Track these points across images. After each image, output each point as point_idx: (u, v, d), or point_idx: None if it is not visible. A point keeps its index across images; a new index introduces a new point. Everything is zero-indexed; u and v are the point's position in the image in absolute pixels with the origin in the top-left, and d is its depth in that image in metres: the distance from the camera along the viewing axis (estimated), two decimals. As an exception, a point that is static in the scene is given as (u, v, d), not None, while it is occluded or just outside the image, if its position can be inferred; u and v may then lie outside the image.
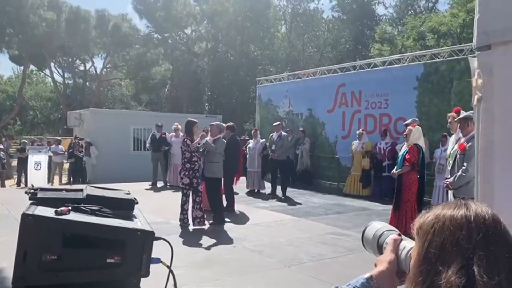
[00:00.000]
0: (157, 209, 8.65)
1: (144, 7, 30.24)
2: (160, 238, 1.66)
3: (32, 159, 12.92)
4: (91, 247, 1.50)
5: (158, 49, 31.96)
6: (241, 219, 8.17)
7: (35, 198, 1.65)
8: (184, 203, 7.30)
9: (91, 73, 36.11)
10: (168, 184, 12.48)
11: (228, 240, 6.49)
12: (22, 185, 14.24)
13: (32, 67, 35.95)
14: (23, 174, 14.41)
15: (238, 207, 8.92)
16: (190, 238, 6.57)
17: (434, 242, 0.84)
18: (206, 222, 7.35)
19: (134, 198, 1.81)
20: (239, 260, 5.58)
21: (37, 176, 12.86)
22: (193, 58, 32.22)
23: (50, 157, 14.30)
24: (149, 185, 12.26)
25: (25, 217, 1.42)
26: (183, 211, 7.34)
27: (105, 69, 35.32)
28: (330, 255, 5.76)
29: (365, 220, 8.24)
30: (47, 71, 34.99)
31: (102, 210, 1.62)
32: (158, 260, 1.69)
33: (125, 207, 1.73)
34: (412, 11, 28.01)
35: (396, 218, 7.09)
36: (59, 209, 1.50)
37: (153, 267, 1.81)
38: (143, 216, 1.76)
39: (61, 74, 35.89)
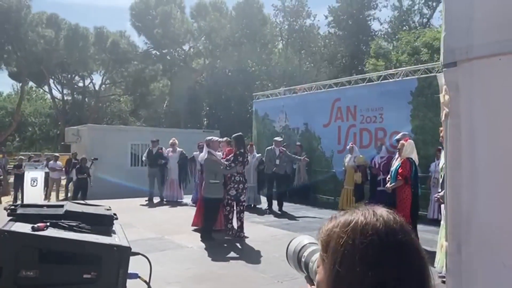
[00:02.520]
0: (152, 225, 8.64)
1: (142, 24, 30.58)
2: (137, 254, 1.67)
3: (29, 175, 12.85)
4: (68, 262, 1.51)
5: (156, 65, 32.21)
6: (236, 234, 8.13)
7: (14, 214, 1.67)
8: (229, 213, 7.63)
9: (89, 89, 36.33)
10: (165, 199, 12.44)
11: (222, 256, 6.46)
12: (19, 201, 14.19)
13: (31, 83, 36.14)
14: (19, 190, 14.36)
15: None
16: (183, 255, 6.55)
17: (343, 263, 0.78)
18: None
19: (114, 214, 1.83)
20: (232, 276, 5.55)
21: (34, 193, 12.78)
22: (191, 74, 32.47)
23: (47, 173, 14.26)
24: (146, 200, 12.23)
25: (0, 234, 1.44)
26: (229, 220, 7.66)
27: (103, 85, 35.54)
28: (324, 270, 5.72)
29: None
30: (46, 88, 35.18)
31: (80, 226, 1.63)
32: (136, 276, 1.70)
33: (104, 223, 1.75)
34: (407, 27, 28.34)
35: (391, 233, 7.09)
36: (36, 225, 1.52)
37: (137, 283, 1.82)
38: (123, 231, 1.78)
39: (60, 90, 36.09)
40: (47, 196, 14.71)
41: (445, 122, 1.50)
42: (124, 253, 1.56)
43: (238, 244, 7.28)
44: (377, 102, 11.48)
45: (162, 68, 32.58)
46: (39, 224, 1.53)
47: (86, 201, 11.30)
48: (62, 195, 15.77)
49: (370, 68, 22.27)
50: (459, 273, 1.41)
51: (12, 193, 15.49)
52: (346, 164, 11.13)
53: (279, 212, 10.63)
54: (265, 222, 9.37)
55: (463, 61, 1.41)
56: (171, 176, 12.53)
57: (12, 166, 18.03)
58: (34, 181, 12.87)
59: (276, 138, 11.50)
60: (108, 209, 1.87)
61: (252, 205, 11.26)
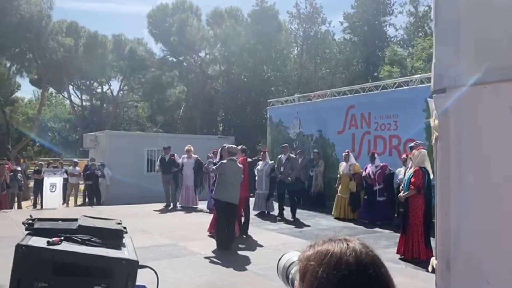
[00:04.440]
0: (166, 231, 8.77)
1: (159, 31, 31.01)
2: (145, 266, 1.77)
3: (48, 181, 13.22)
4: (79, 275, 1.63)
5: (173, 71, 32.59)
6: (249, 241, 8.20)
7: (31, 229, 1.80)
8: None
9: (108, 96, 36.95)
10: (180, 205, 12.58)
11: (234, 264, 6.53)
12: (38, 206, 14.56)
13: (51, 89, 36.94)
14: (39, 195, 14.76)
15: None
16: (196, 261, 6.64)
17: None
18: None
19: (124, 228, 1.94)
20: (243, 283, 5.63)
21: (52, 198, 13.14)
22: (207, 80, 32.75)
23: (66, 178, 14.61)
24: (164, 206, 12.40)
25: (18, 248, 1.56)
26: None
27: (121, 92, 36.13)
28: (334, 279, 5.75)
29: (373, 243, 8.14)
30: (66, 94, 35.94)
31: (92, 240, 1.75)
32: None
33: (114, 237, 1.86)
34: (422, 33, 28.11)
35: (403, 242, 7.09)
36: (51, 240, 1.65)
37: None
38: (132, 244, 1.89)
39: (79, 96, 36.85)
40: (65, 201, 15.06)
41: (435, 146, 1.57)
42: (132, 266, 1.67)
43: (250, 252, 7.35)
44: (392, 109, 11.45)
45: (179, 75, 32.95)
46: (54, 239, 1.65)
47: (101, 206, 11.51)
48: (80, 200, 16.11)
49: (385, 75, 22.15)
50: (448, 290, 1.47)
51: (32, 198, 15.90)
52: (341, 172, 11.05)
53: (291, 220, 10.64)
54: (277, 230, 9.41)
55: (451, 88, 1.48)
56: (186, 182, 12.65)
57: (32, 171, 18.52)
58: (53, 187, 13.22)
59: (282, 145, 11.57)
60: (118, 223, 1.99)
61: (266, 212, 11.31)
